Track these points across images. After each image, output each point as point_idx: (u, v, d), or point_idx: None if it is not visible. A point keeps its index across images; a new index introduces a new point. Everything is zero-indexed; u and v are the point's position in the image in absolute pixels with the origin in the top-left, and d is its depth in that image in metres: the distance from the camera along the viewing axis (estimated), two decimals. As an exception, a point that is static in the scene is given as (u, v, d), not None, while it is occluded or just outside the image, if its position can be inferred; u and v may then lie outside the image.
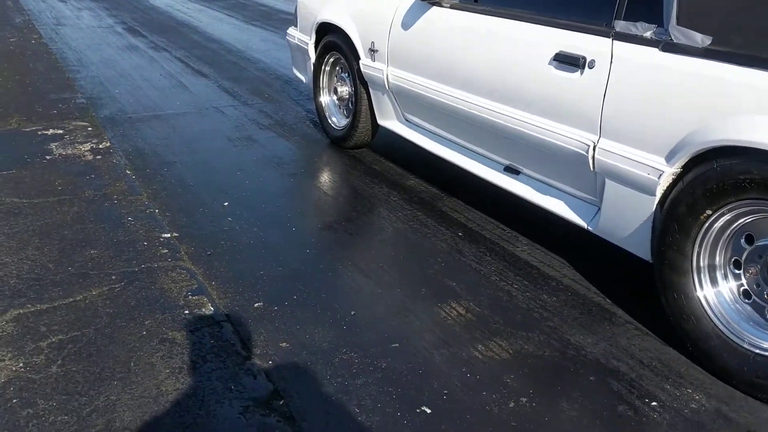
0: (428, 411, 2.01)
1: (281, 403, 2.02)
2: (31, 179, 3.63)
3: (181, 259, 2.85)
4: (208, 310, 2.49)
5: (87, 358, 2.19)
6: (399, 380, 2.13)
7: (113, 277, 2.69)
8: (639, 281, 2.67)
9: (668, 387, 2.13)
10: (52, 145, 4.16)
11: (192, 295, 2.58)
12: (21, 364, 2.15)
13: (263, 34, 8.21)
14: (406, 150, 4.29)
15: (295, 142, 4.38)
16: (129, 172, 3.77)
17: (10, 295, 2.53)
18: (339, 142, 4.24)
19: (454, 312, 2.51)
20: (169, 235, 3.05)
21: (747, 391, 2.09)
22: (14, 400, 1.99)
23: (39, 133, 4.40)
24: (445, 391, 2.09)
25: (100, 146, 4.18)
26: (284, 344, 2.30)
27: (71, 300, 2.52)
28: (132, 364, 2.17)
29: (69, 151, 4.07)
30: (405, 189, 3.64)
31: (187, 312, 2.46)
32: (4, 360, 2.17)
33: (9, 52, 6.88)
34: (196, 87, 5.67)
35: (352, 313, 2.50)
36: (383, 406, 2.02)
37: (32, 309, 2.45)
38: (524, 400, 2.06)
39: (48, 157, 3.96)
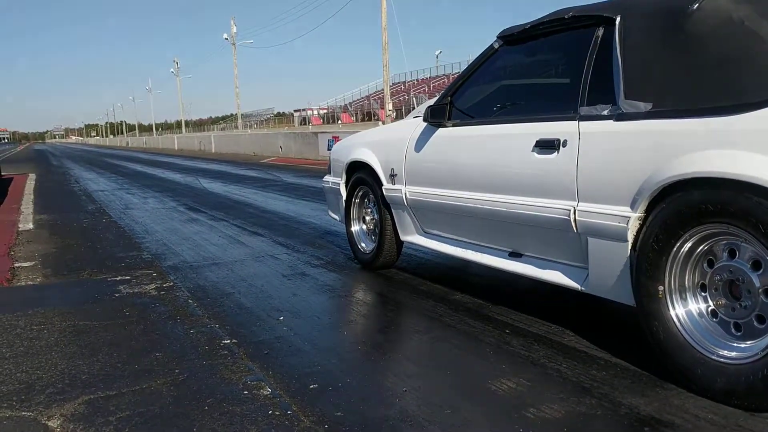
0: (483, 456, 2.03)
1: (338, 454, 2.07)
2: (101, 309, 3.90)
3: (240, 357, 2.99)
4: (266, 391, 2.59)
5: (152, 427, 2.30)
6: (453, 435, 2.17)
7: (176, 371, 2.83)
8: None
9: (726, 433, 2.11)
10: (120, 287, 4.48)
11: (251, 381, 2.69)
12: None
13: (313, 205, 8.78)
14: (449, 274, 4.48)
15: (345, 275, 4.62)
16: (191, 302, 4.02)
17: (81, 386, 2.69)
18: (368, 264, 4.65)
19: (504, 386, 2.56)
20: (228, 341, 3.22)
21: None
22: (85, 457, 2.09)
23: (108, 279, 4.74)
24: (499, 442, 2.11)
25: (164, 285, 4.48)
26: (339, 413, 2.37)
27: (137, 388, 2.66)
28: (195, 430, 2.26)
29: (135, 290, 4.37)
30: (450, 302, 3.78)
31: (246, 392, 2.57)
32: (77, 430, 2.29)
33: (82, 228, 7.51)
34: (252, 243, 6.07)
35: (404, 389, 2.57)
36: (438, 454, 2.04)
37: (101, 395, 2.60)
38: (579, 446, 2.07)
39: (116, 295, 4.26)
